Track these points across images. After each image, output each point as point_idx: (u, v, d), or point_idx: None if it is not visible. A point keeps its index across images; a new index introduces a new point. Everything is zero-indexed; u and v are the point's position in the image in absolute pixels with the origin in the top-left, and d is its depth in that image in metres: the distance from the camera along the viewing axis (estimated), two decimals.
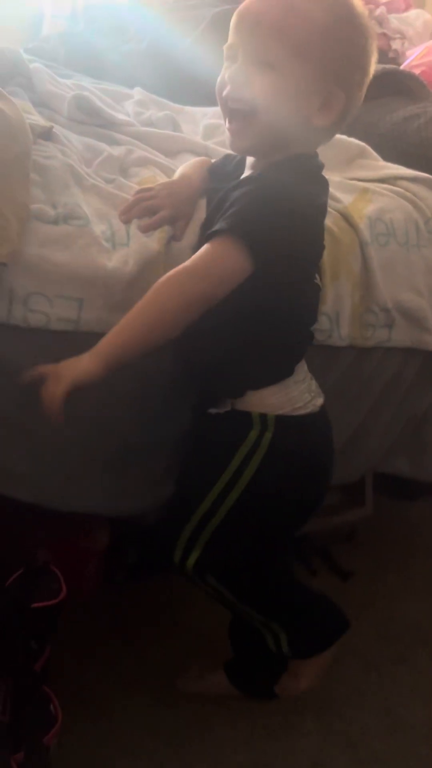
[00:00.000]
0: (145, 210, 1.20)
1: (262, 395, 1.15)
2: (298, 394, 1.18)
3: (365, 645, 1.51)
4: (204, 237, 1.10)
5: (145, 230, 1.19)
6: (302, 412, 1.18)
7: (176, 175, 1.29)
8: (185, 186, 1.26)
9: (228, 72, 1.09)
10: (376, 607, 1.62)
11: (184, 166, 1.31)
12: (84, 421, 1.19)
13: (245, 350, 1.14)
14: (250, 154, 1.17)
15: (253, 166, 1.16)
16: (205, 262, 1.04)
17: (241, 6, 1.09)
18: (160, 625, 1.51)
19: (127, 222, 1.19)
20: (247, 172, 1.17)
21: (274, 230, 1.05)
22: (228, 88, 1.08)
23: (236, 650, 1.37)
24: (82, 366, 1.03)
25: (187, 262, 1.05)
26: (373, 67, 1.12)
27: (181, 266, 1.05)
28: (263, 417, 1.15)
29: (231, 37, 1.10)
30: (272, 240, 1.05)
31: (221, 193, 1.18)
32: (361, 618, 1.55)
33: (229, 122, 1.11)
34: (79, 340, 1.14)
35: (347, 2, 1.07)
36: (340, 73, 1.07)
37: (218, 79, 1.11)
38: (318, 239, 1.16)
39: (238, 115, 1.09)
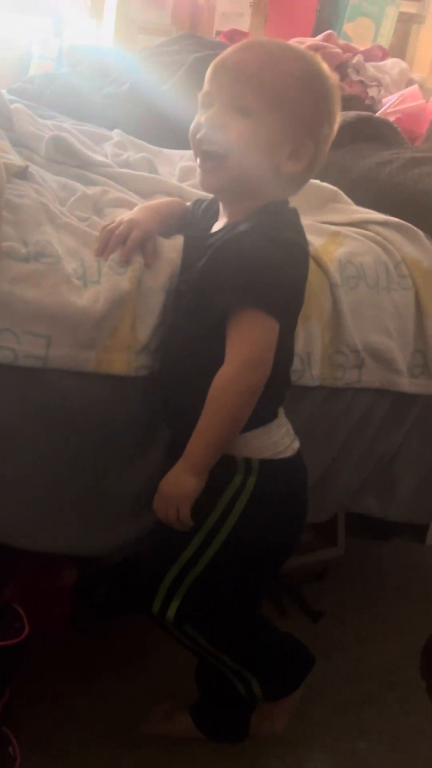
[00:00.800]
0: (118, 239, 1.21)
1: (246, 439, 1.15)
2: (279, 438, 1.19)
3: (334, 686, 1.50)
4: (220, 305, 1.09)
5: (125, 259, 1.20)
6: (284, 456, 1.19)
7: (139, 208, 1.30)
8: (147, 210, 1.28)
9: (203, 116, 1.12)
10: (345, 648, 1.61)
11: (151, 202, 1.33)
12: (51, 460, 1.20)
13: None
14: (220, 196, 1.19)
15: (228, 215, 1.17)
16: (257, 351, 1.08)
17: (219, 57, 1.13)
18: (124, 667, 1.49)
19: (106, 259, 1.20)
20: (221, 221, 1.19)
21: (287, 292, 1.12)
22: (203, 131, 1.11)
23: (202, 692, 1.36)
24: (191, 486, 1.11)
25: (240, 357, 1.08)
26: (338, 124, 1.17)
27: (237, 363, 1.08)
28: (247, 461, 1.15)
29: (207, 84, 1.14)
30: (288, 302, 1.13)
31: (197, 240, 1.20)
32: (330, 659, 1.55)
33: (201, 162, 1.13)
34: (48, 378, 1.16)
35: (319, 63, 1.14)
36: (311, 126, 1.12)
37: (193, 123, 1.14)
38: (305, 285, 1.19)
39: (211, 156, 1.11)
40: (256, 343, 1.08)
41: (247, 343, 1.08)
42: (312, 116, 1.12)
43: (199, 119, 1.13)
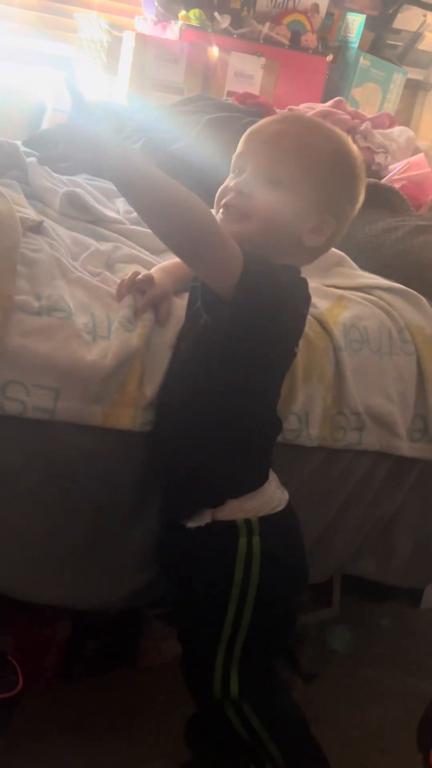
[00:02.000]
0: (137, 285, 1.24)
1: (243, 501, 1.16)
2: (272, 493, 1.19)
3: (326, 750, 1.48)
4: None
5: (144, 310, 1.23)
6: (279, 509, 1.19)
7: (155, 269, 1.33)
8: (163, 272, 1.31)
9: (234, 182, 1.15)
10: (338, 711, 1.59)
11: (165, 263, 1.36)
12: (53, 512, 1.20)
13: (228, 457, 1.16)
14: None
15: None
16: (224, 233, 1.04)
17: (258, 123, 1.18)
18: (116, 721, 1.47)
19: (120, 300, 1.23)
20: None
21: (268, 281, 1.07)
22: (231, 195, 1.14)
23: (195, 751, 1.34)
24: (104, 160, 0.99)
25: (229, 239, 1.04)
26: (360, 205, 1.21)
27: (226, 236, 1.03)
28: (248, 522, 1.15)
29: (241, 147, 1.18)
30: (263, 284, 1.07)
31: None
32: (322, 722, 1.53)
33: (224, 212, 1.16)
34: (54, 430, 1.17)
35: (350, 143, 1.19)
36: (336, 204, 1.17)
37: (221, 187, 1.18)
38: (294, 336, 1.19)
39: (234, 210, 1.14)
40: (228, 238, 1.04)
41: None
42: (339, 195, 1.17)
43: (228, 183, 1.17)
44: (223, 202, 1.16)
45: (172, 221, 1.02)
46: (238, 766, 1.28)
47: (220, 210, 1.16)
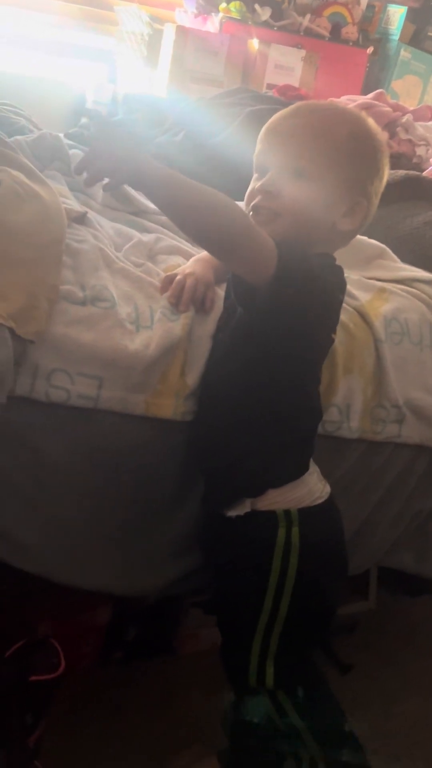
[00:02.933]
0: (190, 293, 1.25)
1: (283, 492, 1.17)
2: (313, 485, 1.20)
3: (361, 741, 1.49)
4: None
5: (186, 307, 1.24)
6: (320, 501, 1.20)
7: (191, 262, 1.34)
8: (203, 263, 1.32)
9: (259, 183, 1.16)
10: (373, 703, 1.60)
11: (203, 254, 1.37)
12: (96, 499, 1.22)
13: (268, 447, 1.16)
14: None
15: None
16: (256, 229, 1.05)
17: (272, 120, 1.19)
18: (153, 707, 1.49)
19: (186, 311, 1.24)
20: None
21: (302, 270, 1.08)
22: (259, 197, 1.15)
23: (232, 738, 1.35)
24: (130, 169, 1.01)
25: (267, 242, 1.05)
26: (386, 177, 1.22)
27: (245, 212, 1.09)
28: (287, 513, 1.15)
29: (261, 146, 1.19)
30: (297, 273, 1.07)
31: None
32: (357, 713, 1.53)
33: (254, 215, 1.17)
34: (97, 419, 1.19)
35: (366, 121, 1.19)
36: (364, 184, 1.17)
37: (248, 190, 1.19)
38: (332, 323, 1.20)
39: (263, 211, 1.15)
40: (261, 233, 1.05)
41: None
42: (365, 175, 1.17)
43: (254, 186, 1.18)
44: (252, 204, 1.17)
45: (207, 227, 1.05)
46: (276, 755, 1.30)
47: (251, 213, 1.17)
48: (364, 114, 1.22)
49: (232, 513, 1.17)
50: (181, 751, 1.38)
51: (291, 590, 1.14)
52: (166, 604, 1.58)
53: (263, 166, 1.18)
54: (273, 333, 1.11)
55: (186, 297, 1.25)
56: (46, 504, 1.20)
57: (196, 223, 1.05)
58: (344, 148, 1.15)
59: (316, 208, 1.14)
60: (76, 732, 1.40)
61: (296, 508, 1.16)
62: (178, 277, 1.27)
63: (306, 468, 1.20)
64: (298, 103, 1.21)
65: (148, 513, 1.27)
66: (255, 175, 1.20)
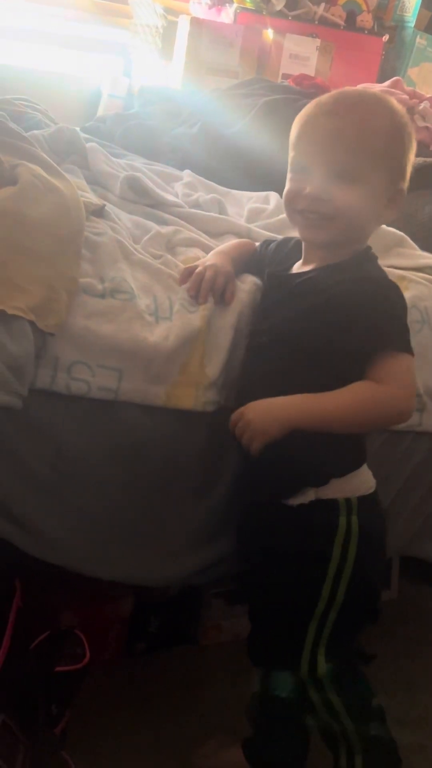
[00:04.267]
0: (209, 285, 1.26)
1: (345, 480, 1.18)
2: (367, 474, 1.22)
3: None
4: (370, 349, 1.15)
5: (205, 298, 1.25)
6: (371, 490, 1.22)
7: (211, 255, 1.35)
8: (222, 255, 1.34)
9: (307, 189, 1.16)
10: (395, 693, 1.59)
11: (223, 246, 1.38)
12: (117, 490, 1.22)
13: (333, 437, 1.17)
14: (323, 247, 1.22)
15: (319, 258, 1.22)
16: (407, 386, 1.15)
17: (309, 117, 1.18)
18: (177, 698, 1.50)
19: (205, 303, 1.25)
20: (310, 262, 1.24)
21: (407, 329, 1.18)
22: (308, 201, 1.16)
23: (257, 727, 1.36)
24: (272, 431, 1.12)
25: (393, 387, 1.13)
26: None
27: (391, 389, 1.13)
28: (348, 501, 1.17)
29: (298, 149, 1.18)
30: (409, 338, 1.17)
31: (281, 279, 1.26)
32: (381, 702, 1.53)
33: (305, 218, 1.18)
34: (118, 410, 1.19)
35: (395, 106, 1.19)
36: (405, 170, 1.19)
37: (289, 190, 1.19)
38: None
39: (319, 219, 1.17)
40: (409, 381, 1.15)
41: (400, 381, 1.14)
42: (405, 162, 1.20)
43: (299, 187, 1.17)
44: (300, 208, 1.17)
45: (365, 423, 1.17)
46: (303, 729, 1.28)
47: (298, 216, 1.18)
48: (391, 98, 1.22)
49: (295, 502, 1.17)
50: (206, 740, 1.39)
51: (348, 577, 1.15)
52: (187, 595, 1.59)
53: (303, 167, 1.17)
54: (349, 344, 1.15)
55: (205, 289, 1.25)
56: (68, 496, 1.20)
57: (356, 424, 1.16)
58: (387, 141, 1.16)
59: (367, 207, 1.16)
60: (101, 723, 1.41)
61: (355, 496, 1.18)
62: (198, 269, 1.28)
63: (365, 458, 1.23)
64: (335, 97, 1.18)
65: (169, 504, 1.27)
66: (290, 174, 1.20)
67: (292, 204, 1.19)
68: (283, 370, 1.18)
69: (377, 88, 2.17)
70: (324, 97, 1.19)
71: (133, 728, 1.42)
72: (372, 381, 1.13)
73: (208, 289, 1.25)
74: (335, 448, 1.18)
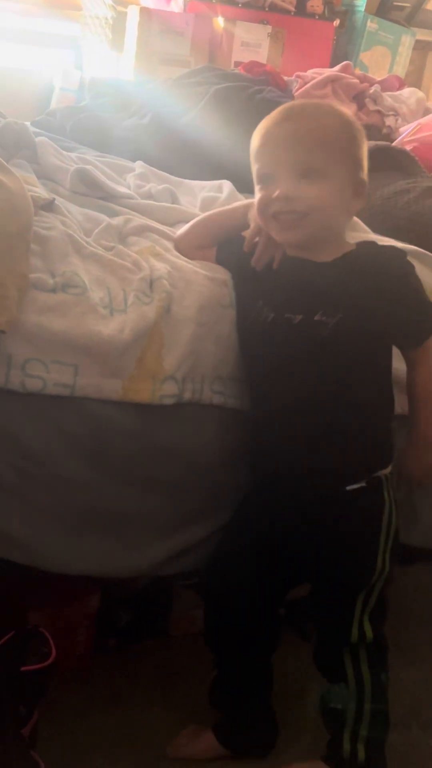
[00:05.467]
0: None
1: (384, 457, 1.31)
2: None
3: None
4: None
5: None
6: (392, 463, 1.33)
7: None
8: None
9: (276, 192, 1.21)
10: None
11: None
12: (80, 485, 1.22)
13: (389, 424, 1.32)
14: (304, 248, 1.27)
15: (317, 254, 1.27)
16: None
17: (265, 130, 1.25)
18: (149, 691, 1.50)
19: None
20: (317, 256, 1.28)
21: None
22: (280, 204, 1.21)
23: (224, 709, 1.38)
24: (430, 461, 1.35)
25: None
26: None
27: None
28: (386, 477, 1.30)
29: (263, 158, 1.24)
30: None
31: (301, 269, 1.28)
32: None
33: (278, 220, 1.23)
34: (75, 405, 1.18)
35: (339, 107, 1.31)
36: (362, 163, 1.26)
37: (260, 199, 1.24)
38: None
39: (291, 218, 1.22)
40: None
41: None
42: (360, 155, 1.27)
43: (268, 193, 1.23)
44: (273, 212, 1.23)
45: None
46: (260, 718, 1.37)
47: (273, 221, 1.24)
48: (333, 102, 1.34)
49: (353, 486, 1.26)
50: (179, 731, 1.39)
51: (391, 546, 1.27)
52: (157, 588, 1.58)
53: (268, 175, 1.24)
54: (385, 344, 1.31)
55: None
56: (31, 494, 1.20)
57: None
58: (340, 136, 1.23)
59: (335, 200, 1.23)
60: (73, 721, 1.40)
61: (389, 472, 1.30)
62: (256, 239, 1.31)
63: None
64: (283, 108, 1.26)
65: (134, 496, 1.27)
66: (258, 186, 1.26)
67: (265, 211, 1.24)
68: (329, 364, 1.24)
69: (327, 72, 2.17)
70: (273, 112, 1.26)
71: (106, 725, 1.41)
72: (419, 363, 1.32)
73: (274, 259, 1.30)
74: (389, 434, 1.32)
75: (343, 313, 1.22)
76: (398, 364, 1.43)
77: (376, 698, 1.29)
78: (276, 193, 1.21)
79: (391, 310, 1.25)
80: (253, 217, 1.31)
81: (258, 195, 1.26)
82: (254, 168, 1.27)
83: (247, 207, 1.35)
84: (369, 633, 1.26)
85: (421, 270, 1.50)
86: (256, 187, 1.27)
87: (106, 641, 1.57)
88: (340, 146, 1.22)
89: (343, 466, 1.26)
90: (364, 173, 1.27)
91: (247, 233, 1.33)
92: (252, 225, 1.32)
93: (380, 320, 1.25)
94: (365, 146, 1.28)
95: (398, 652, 1.62)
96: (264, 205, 1.24)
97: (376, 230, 1.60)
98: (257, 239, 1.31)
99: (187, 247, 1.37)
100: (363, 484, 1.26)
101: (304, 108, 1.28)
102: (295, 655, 1.41)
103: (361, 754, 1.28)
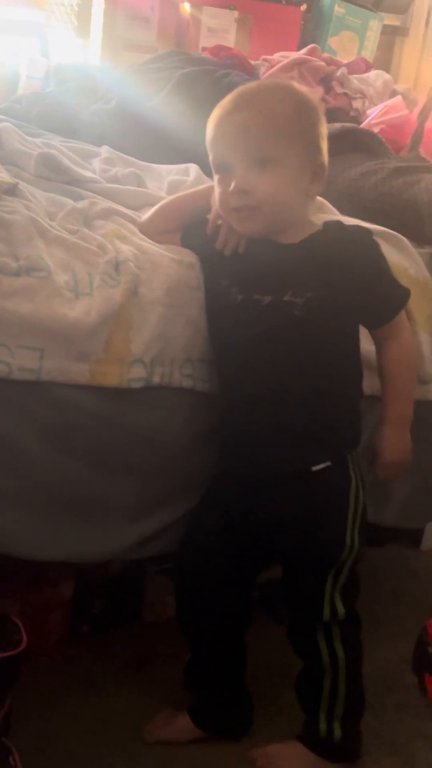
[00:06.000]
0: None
1: (354, 436, 1.33)
2: None
3: None
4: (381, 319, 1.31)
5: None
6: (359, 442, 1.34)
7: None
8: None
9: (231, 186, 1.20)
10: None
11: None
12: (48, 470, 1.21)
13: (357, 406, 1.34)
14: (257, 234, 1.26)
15: (284, 237, 1.26)
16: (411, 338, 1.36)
17: (218, 119, 1.23)
18: (123, 677, 1.50)
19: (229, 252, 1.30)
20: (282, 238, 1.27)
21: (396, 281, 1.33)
22: (236, 198, 1.20)
23: (198, 692, 1.38)
24: (409, 439, 1.35)
25: (406, 341, 1.33)
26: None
27: (407, 346, 1.33)
28: (352, 456, 1.31)
29: (217, 147, 1.22)
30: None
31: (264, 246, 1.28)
32: None
33: (236, 213, 1.23)
34: (42, 390, 1.17)
35: (295, 87, 1.28)
36: (320, 145, 1.24)
37: (219, 193, 1.24)
38: None
39: (247, 212, 1.21)
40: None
41: (408, 336, 1.34)
42: (317, 137, 1.24)
43: (225, 186, 1.22)
44: (232, 206, 1.21)
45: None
46: (234, 700, 1.37)
47: (233, 213, 1.23)
48: (292, 81, 1.31)
49: (319, 467, 1.26)
50: (154, 715, 1.39)
51: (360, 524, 1.28)
52: (130, 573, 1.58)
53: (224, 165, 1.22)
54: (354, 324, 1.31)
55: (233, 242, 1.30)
56: None
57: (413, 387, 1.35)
58: (295, 122, 1.20)
59: (289, 189, 1.21)
60: (47, 706, 1.40)
61: (355, 450, 1.32)
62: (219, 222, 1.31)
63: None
64: (234, 95, 1.24)
65: (103, 481, 1.26)
66: (216, 177, 1.24)
67: (226, 205, 1.23)
68: (303, 346, 1.24)
69: (294, 56, 2.16)
70: (225, 99, 1.24)
71: (80, 711, 1.41)
72: (387, 340, 1.31)
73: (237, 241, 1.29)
74: (358, 416, 1.33)
75: (312, 293, 1.21)
76: (368, 346, 1.44)
77: (350, 677, 1.29)
78: (231, 187, 1.20)
79: (358, 288, 1.25)
80: (215, 200, 1.30)
81: (217, 187, 1.25)
82: (210, 157, 1.25)
83: (210, 190, 1.34)
84: (341, 609, 1.27)
85: (389, 250, 1.52)
86: (215, 177, 1.26)
87: (80, 628, 1.57)
88: (294, 131, 1.20)
89: (311, 447, 1.27)
90: (323, 156, 1.25)
91: (210, 216, 1.32)
92: (214, 208, 1.31)
93: (348, 298, 1.24)
94: (323, 127, 1.26)
95: (372, 631, 1.64)
96: (224, 199, 1.23)
97: (344, 211, 1.60)
98: (220, 222, 1.30)
99: (152, 231, 1.36)
100: (328, 463, 1.27)
101: (256, 94, 1.24)
102: (271, 637, 1.41)
103: (337, 733, 1.29)
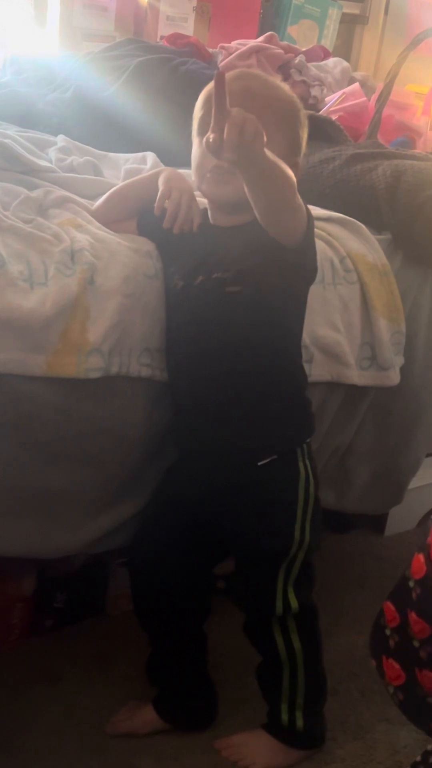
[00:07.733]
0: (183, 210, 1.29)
1: (299, 430, 1.31)
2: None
3: None
4: None
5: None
6: (312, 434, 1.33)
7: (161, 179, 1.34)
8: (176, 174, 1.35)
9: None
10: None
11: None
12: (6, 464, 1.19)
13: (304, 402, 1.32)
14: (222, 206, 1.26)
15: (229, 220, 1.26)
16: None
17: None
18: (88, 670, 1.49)
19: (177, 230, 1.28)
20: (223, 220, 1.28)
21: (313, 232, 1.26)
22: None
23: (161, 684, 1.38)
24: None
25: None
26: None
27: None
28: (302, 449, 1.29)
29: (205, 108, 1.21)
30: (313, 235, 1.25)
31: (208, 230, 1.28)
32: None
33: (215, 175, 1.22)
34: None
35: (287, 88, 1.30)
36: (301, 148, 1.27)
37: (199, 154, 1.23)
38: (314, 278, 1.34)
39: (224, 174, 1.20)
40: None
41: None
42: (300, 137, 1.27)
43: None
44: (211, 166, 1.20)
45: (280, 195, 1.14)
46: (198, 691, 1.38)
47: (208, 175, 1.22)
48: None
49: (263, 461, 1.25)
50: (119, 708, 1.38)
51: (311, 516, 1.27)
52: (92, 567, 1.57)
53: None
54: (284, 297, 1.24)
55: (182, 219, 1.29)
56: None
57: (275, 192, 1.13)
58: (288, 108, 1.25)
59: None
60: (11, 701, 1.39)
61: (304, 443, 1.29)
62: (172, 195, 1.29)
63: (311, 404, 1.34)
64: (240, 71, 1.27)
65: (63, 474, 1.25)
66: (198, 139, 1.23)
67: (202, 166, 1.22)
68: (243, 326, 1.22)
69: (251, 43, 2.15)
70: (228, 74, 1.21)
71: (45, 704, 1.40)
72: None
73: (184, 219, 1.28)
74: (304, 408, 1.31)
75: (240, 266, 1.21)
76: (325, 332, 1.44)
77: (309, 666, 1.29)
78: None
79: (279, 254, 1.21)
80: (163, 180, 1.29)
81: (197, 150, 1.24)
82: (198, 116, 1.25)
83: (158, 175, 1.33)
84: (294, 603, 1.26)
85: (347, 237, 1.52)
86: (196, 140, 1.25)
87: (43, 622, 1.55)
88: (286, 116, 1.23)
89: (254, 442, 1.25)
90: (300, 157, 1.28)
91: (158, 196, 1.30)
92: (161, 189, 1.29)
93: (277, 267, 1.22)
94: (305, 134, 1.29)
95: (337, 617, 1.65)
96: (202, 160, 1.22)
97: (302, 198, 1.59)
98: (167, 203, 1.29)
99: (105, 219, 1.34)
100: (274, 457, 1.25)
101: (259, 76, 1.29)
102: (235, 625, 1.40)
103: (299, 722, 1.29)
